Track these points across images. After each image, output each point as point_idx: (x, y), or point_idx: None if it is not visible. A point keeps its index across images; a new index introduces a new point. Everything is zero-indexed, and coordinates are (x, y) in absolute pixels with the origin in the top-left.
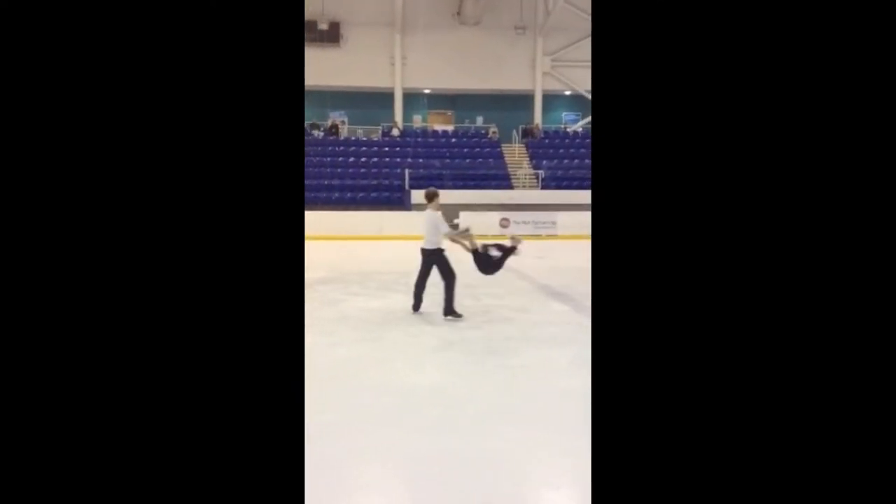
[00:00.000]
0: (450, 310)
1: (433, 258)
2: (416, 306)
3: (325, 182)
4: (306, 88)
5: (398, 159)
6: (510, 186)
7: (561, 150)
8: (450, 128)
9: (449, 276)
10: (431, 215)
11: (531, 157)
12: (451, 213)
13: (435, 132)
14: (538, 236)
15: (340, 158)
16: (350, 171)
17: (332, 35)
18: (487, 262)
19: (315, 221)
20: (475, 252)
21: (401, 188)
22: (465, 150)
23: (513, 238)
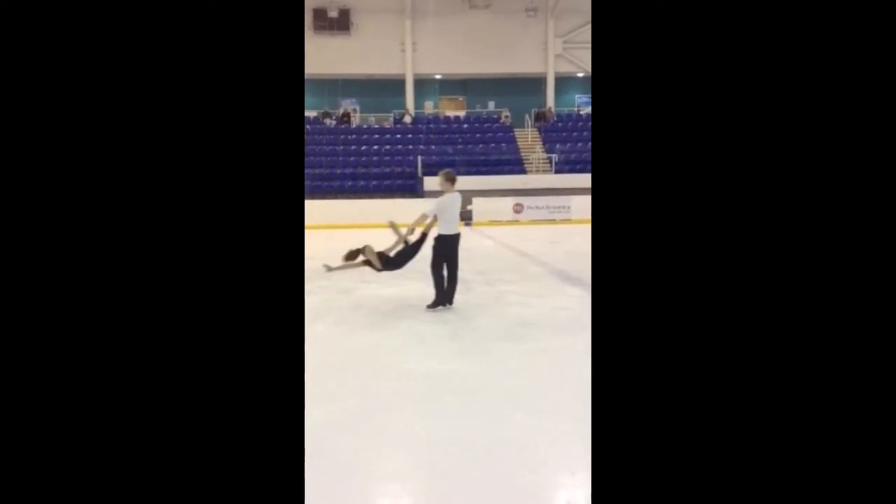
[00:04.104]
0: (452, 297)
1: (455, 244)
2: (444, 299)
3: (338, 171)
4: (318, 77)
5: (410, 146)
6: (523, 171)
7: (574, 134)
8: (461, 113)
9: (456, 262)
10: (456, 199)
11: (544, 142)
12: (464, 199)
13: (447, 118)
14: (552, 221)
15: (353, 147)
16: (363, 158)
17: (343, 23)
18: (396, 260)
19: (328, 210)
20: (405, 249)
21: (413, 175)
22: (478, 135)
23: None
